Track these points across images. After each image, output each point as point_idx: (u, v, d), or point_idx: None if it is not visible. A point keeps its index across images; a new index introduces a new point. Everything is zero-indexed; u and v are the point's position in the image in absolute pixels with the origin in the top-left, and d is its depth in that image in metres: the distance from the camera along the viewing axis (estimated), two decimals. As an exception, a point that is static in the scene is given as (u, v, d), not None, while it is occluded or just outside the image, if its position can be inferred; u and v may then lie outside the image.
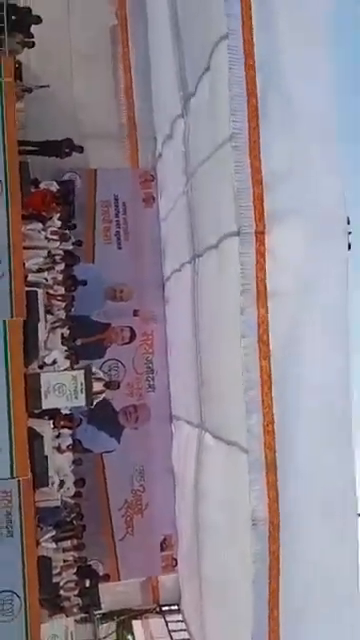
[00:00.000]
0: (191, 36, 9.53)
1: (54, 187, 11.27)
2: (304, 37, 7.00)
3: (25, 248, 9.94)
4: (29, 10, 10.75)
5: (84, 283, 11.42)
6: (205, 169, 9.15)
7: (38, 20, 10.78)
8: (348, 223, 6.96)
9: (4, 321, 8.92)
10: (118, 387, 11.38)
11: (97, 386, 10.31)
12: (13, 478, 8.84)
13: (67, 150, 11.67)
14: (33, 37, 10.99)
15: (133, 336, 12.28)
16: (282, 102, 7.22)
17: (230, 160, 7.74)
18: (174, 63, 10.42)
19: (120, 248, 12.41)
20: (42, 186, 11.07)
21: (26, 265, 10.05)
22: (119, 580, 11.80)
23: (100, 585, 10.77)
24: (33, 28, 10.91)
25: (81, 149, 11.78)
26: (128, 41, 12.56)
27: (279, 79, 7.21)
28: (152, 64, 12.20)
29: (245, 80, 7.61)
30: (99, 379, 10.60)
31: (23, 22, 10.73)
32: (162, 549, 11.97)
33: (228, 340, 8.30)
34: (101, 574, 11.15)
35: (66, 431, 10.47)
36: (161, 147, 12.01)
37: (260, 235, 7.60)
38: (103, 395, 10.61)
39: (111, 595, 11.53)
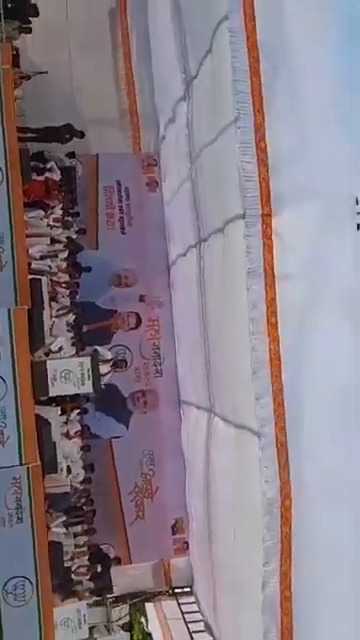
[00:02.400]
0: (192, 18, 9.42)
1: (56, 174, 11.20)
2: (311, 16, 6.87)
3: (28, 236, 9.89)
4: (26, -5, 10.65)
5: (88, 270, 11.41)
6: (210, 152, 9.07)
7: (36, 12, 10.67)
8: (357, 204, 6.87)
9: (9, 310, 8.87)
10: (126, 366, 11.43)
11: (104, 368, 10.33)
12: (22, 465, 8.83)
13: (67, 135, 11.61)
14: (30, 23, 10.88)
15: (139, 322, 12.28)
16: (287, 83, 7.11)
17: (235, 142, 7.68)
18: (175, 46, 10.31)
19: (124, 234, 12.38)
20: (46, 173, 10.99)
21: (29, 253, 10.02)
22: (131, 563, 11.89)
23: (112, 569, 10.88)
24: (31, 14, 10.81)
25: (82, 134, 11.71)
26: (127, 25, 12.45)
27: (284, 59, 7.10)
28: (152, 48, 12.06)
29: (248, 61, 7.54)
30: (106, 361, 10.61)
31: (20, 9, 10.62)
32: (173, 532, 12.04)
33: (236, 324, 8.27)
34: (112, 557, 11.23)
35: (75, 417, 10.50)
36: (164, 130, 11.90)
37: (266, 217, 7.56)
38: (109, 375, 10.60)
39: (123, 578, 11.62)
